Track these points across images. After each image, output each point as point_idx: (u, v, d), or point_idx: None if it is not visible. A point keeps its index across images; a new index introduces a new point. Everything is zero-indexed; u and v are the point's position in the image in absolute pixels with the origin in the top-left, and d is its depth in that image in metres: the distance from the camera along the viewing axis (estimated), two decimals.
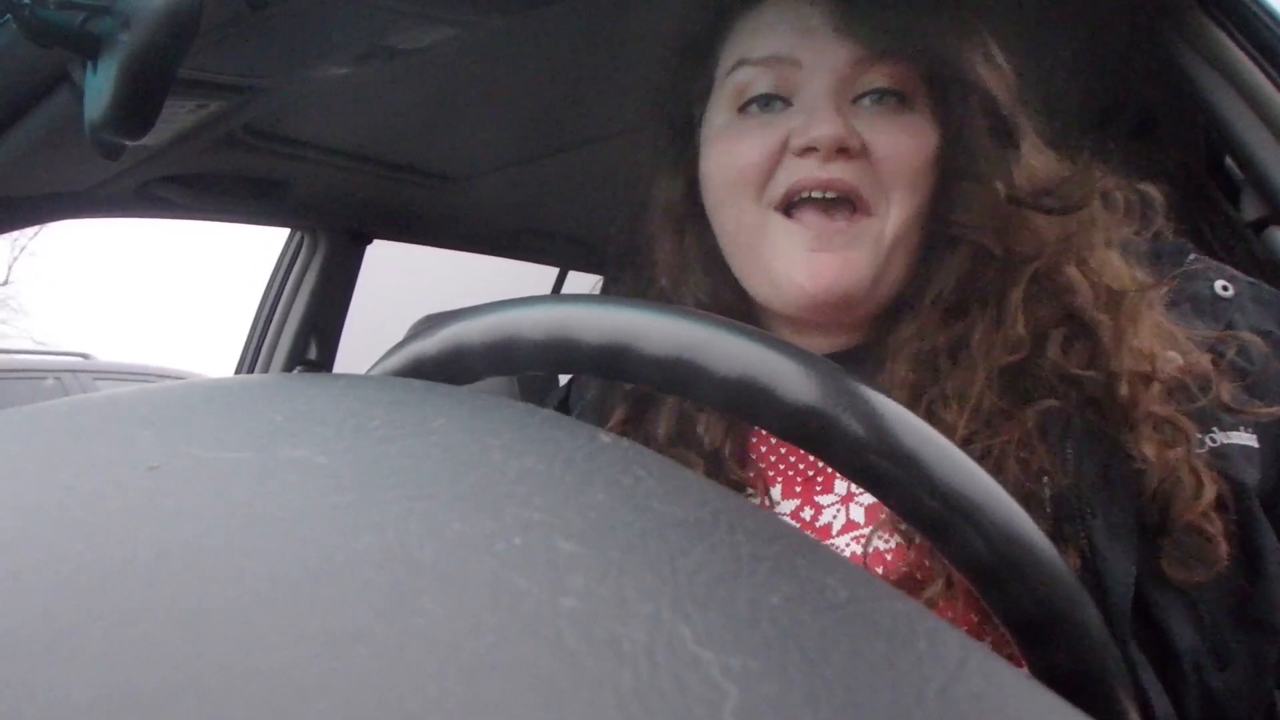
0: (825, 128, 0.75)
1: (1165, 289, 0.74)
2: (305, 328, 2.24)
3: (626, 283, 0.98)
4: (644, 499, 0.25)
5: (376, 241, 2.34)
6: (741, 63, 0.81)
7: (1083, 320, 0.72)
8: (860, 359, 0.80)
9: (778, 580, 0.23)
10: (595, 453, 0.28)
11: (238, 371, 2.36)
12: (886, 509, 0.52)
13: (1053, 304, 0.73)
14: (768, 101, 0.80)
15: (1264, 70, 1.10)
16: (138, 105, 0.77)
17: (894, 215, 0.77)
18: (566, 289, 3.01)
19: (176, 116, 1.43)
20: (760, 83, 0.80)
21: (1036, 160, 0.78)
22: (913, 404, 0.72)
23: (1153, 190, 0.79)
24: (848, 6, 0.77)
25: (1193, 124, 1.65)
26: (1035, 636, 0.42)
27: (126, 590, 0.19)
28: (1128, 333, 0.70)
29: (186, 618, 0.18)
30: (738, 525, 0.25)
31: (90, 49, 0.78)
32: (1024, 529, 0.41)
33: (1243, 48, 1.10)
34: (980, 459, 0.67)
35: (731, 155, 0.81)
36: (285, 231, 2.30)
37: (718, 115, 0.84)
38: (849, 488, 0.76)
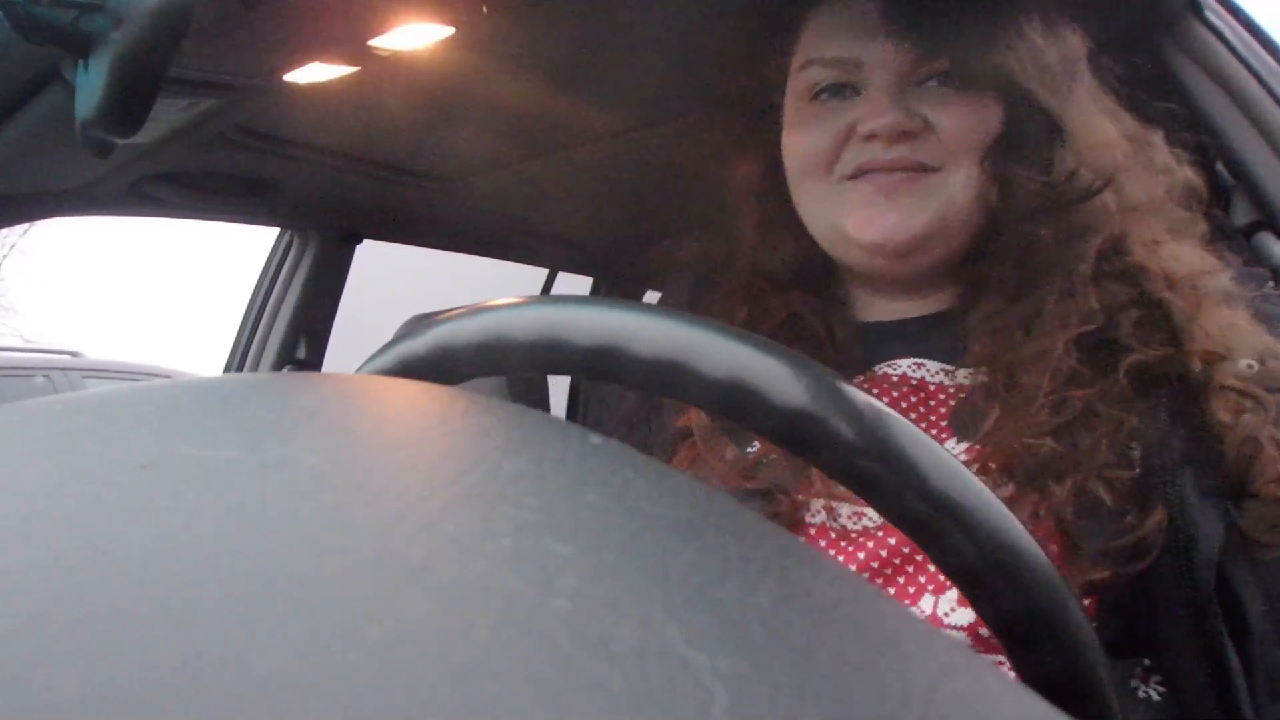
0: (885, 118, 0.82)
1: (1229, 274, 0.78)
2: (295, 327, 2.24)
3: (692, 263, 1.05)
4: (635, 500, 0.25)
5: (366, 241, 2.34)
6: (810, 61, 0.90)
7: (1155, 301, 0.76)
8: (947, 323, 0.87)
9: (767, 582, 0.23)
10: (586, 454, 0.28)
11: (226, 370, 2.36)
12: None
13: (1125, 285, 0.78)
14: (837, 90, 0.88)
15: (1257, 78, 1.11)
16: (129, 103, 0.77)
17: (959, 175, 0.84)
18: (556, 290, 3.01)
19: (167, 115, 1.43)
20: (828, 77, 0.89)
21: (1089, 136, 0.82)
22: (992, 371, 0.78)
23: (1195, 178, 0.85)
24: (901, 8, 0.83)
25: (1186, 130, 1.66)
26: (1023, 641, 0.42)
27: (116, 589, 0.19)
28: (1199, 316, 0.74)
29: (176, 617, 0.18)
30: (727, 527, 0.25)
31: (82, 47, 0.78)
32: (1013, 533, 0.42)
33: (1236, 55, 1.11)
34: (1070, 418, 0.72)
35: (805, 139, 0.90)
36: (275, 230, 2.30)
37: (792, 103, 0.93)
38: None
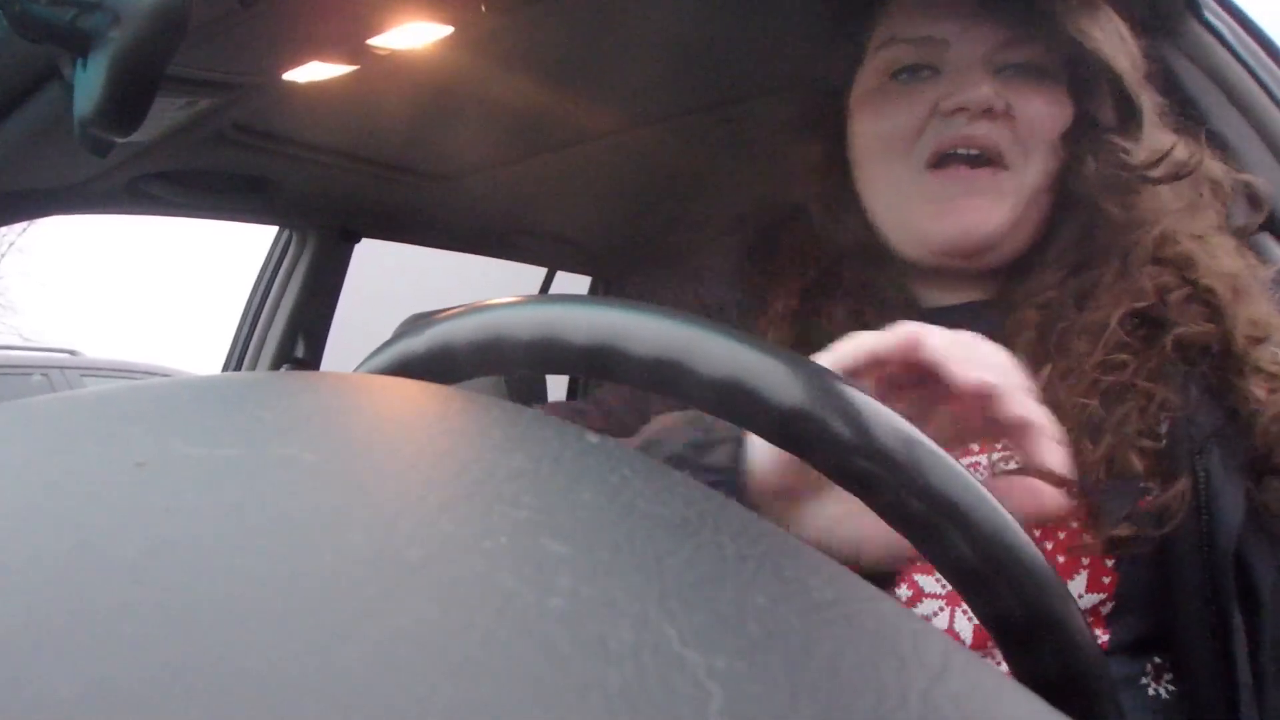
0: (975, 91, 0.82)
1: (1268, 271, 0.82)
2: (293, 326, 2.24)
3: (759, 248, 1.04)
4: (631, 499, 0.25)
5: (365, 240, 2.34)
6: (893, 39, 0.89)
7: (1201, 286, 0.79)
8: (986, 312, 0.88)
9: (763, 580, 0.23)
10: (583, 453, 0.28)
11: (225, 369, 2.36)
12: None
13: (1173, 272, 0.80)
14: (915, 70, 0.88)
15: (1255, 78, 1.12)
16: (127, 102, 0.77)
17: (1031, 172, 0.85)
18: (554, 289, 3.01)
19: (166, 113, 1.43)
20: (910, 56, 0.88)
21: (1152, 133, 0.84)
22: (1041, 340, 0.81)
23: (1255, 181, 0.89)
24: None
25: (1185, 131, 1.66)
26: (1019, 639, 0.42)
27: (113, 587, 0.19)
28: (1241, 303, 0.77)
29: (173, 616, 0.18)
30: (723, 525, 0.25)
31: (80, 45, 0.78)
32: (1010, 532, 0.42)
33: (1235, 56, 1.11)
34: (1103, 391, 0.75)
35: (883, 117, 0.89)
36: (273, 229, 2.30)
37: (868, 82, 0.92)
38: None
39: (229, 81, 1.41)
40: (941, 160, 0.85)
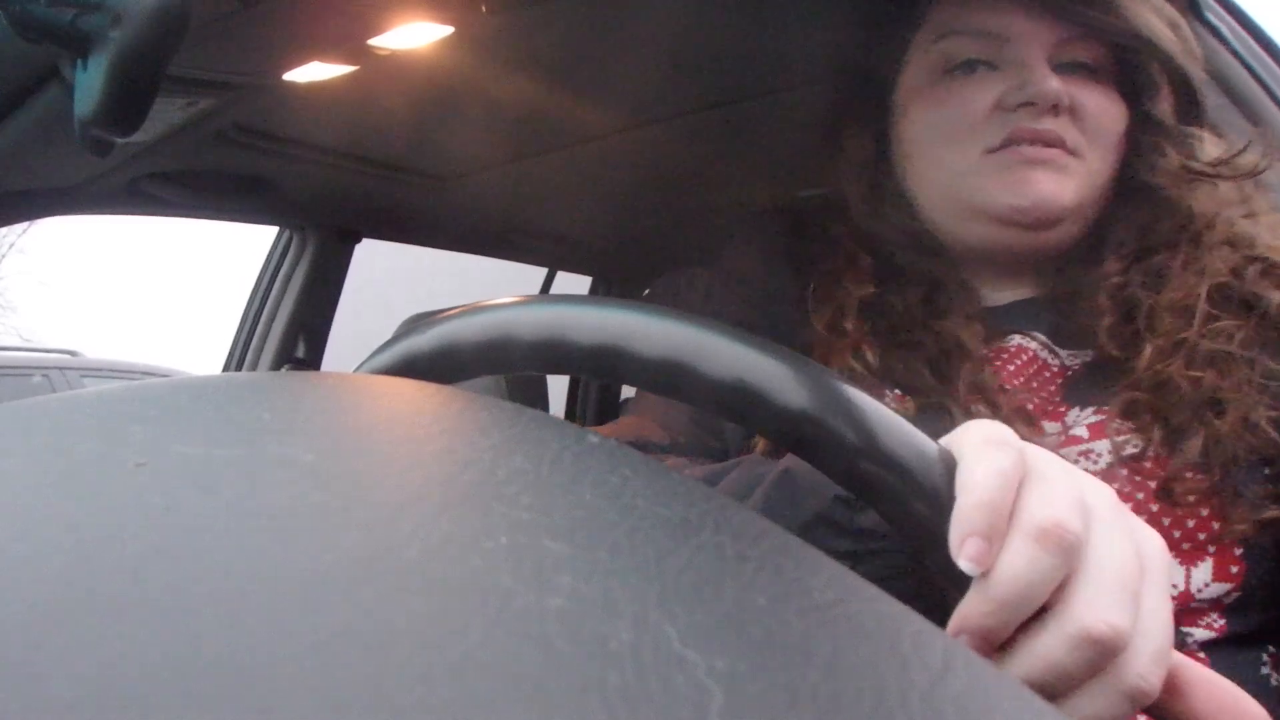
0: (1043, 85, 0.81)
1: None
2: (293, 326, 2.24)
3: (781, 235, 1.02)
4: (631, 499, 0.25)
5: (365, 240, 2.34)
6: (950, 32, 0.88)
7: (1271, 261, 0.80)
8: (1044, 310, 0.88)
9: (763, 580, 0.23)
10: (583, 453, 0.28)
11: (225, 369, 2.36)
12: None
13: (1238, 251, 0.81)
14: (970, 66, 0.87)
15: (1256, 78, 1.11)
16: (128, 102, 0.77)
17: (1096, 163, 0.85)
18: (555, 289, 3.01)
19: (166, 113, 1.43)
20: (969, 50, 0.87)
21: (1209, 132, 0.86)
22: (1124, 322, 0.81)
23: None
24: None
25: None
26: None
27: (111, 587, 0.19)
28: None
29: (170, 615, 0.18)
30: (724, 525, 0.25)
31: (80, 45, 0.78)
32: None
33: (1236, 56, 1.11)
34: (1211, 362, 0.75)
35: (942, 110, 0.88)
36: (274, 229, 2.30)
37: (919, 77, 0.91)
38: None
39: (230, 82, 1.41)
40: (1007, 143, 0.85)
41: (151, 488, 0.23)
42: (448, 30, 1.36)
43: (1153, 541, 0.44)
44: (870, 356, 0.83)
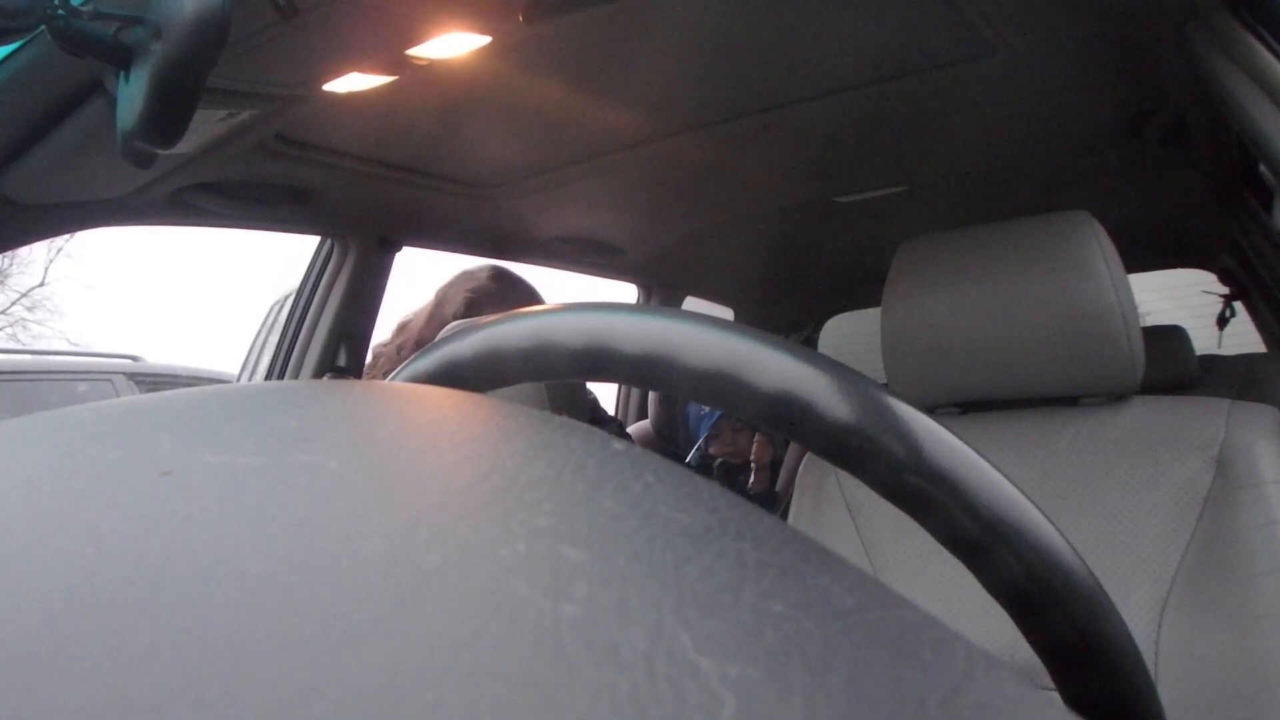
0: None
1: None
2: (335, 335, 2.26)
3: None
4: (653, 505, 0.25)
5: (407, 249, 2.35)
6: None
7: None
8: None
9: (783, 587, 0.23)
10: (607, 459, 0.28)
11: (268, 378, 2.38)
12: None
13: None
14: None
15: None
16: (169, 114, 0.78)
17: None
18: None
19: (208, 125, 1.44)
20: None
21: None
22: None
23: None
24: None
25: (1225, 129, 1.64)
26: (1070, 662, 0.41)
27: (131, 595, 0.19)
28: None
29: (189, 623, 0.18)
30: (746, 532, 0.25)
31: (123, 59, 0.80)
32: (1062, 554, 0.41)
33: (1273, 51, 1.09)
34: None
35: None
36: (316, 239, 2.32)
37: None
38: None
39: (270, 93, 1.43)
40: None
41: (175, 495, 0.23)
42: (485, 40, 1.37)
43: None
44: None
